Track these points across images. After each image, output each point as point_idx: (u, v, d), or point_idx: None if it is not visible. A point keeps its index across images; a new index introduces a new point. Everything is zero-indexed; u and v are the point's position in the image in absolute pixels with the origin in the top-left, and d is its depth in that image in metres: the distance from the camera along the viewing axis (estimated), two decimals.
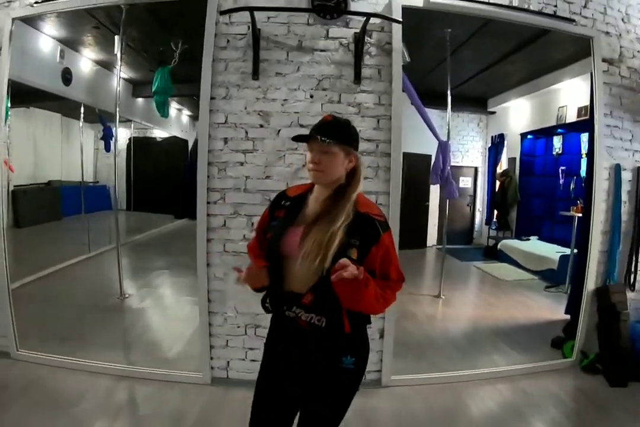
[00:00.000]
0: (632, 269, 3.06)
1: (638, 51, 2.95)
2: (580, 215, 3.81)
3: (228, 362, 2.67)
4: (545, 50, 4.12)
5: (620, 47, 2.89)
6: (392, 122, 2.51)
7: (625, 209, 2.98)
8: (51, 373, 2.68)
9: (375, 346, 2.64)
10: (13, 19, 2.73)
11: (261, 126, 2.50)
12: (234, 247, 2.54)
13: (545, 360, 2.98)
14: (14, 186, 3.66)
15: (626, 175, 2.96)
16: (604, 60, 2.84)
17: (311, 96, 2.51)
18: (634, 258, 3.05)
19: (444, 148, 3.95)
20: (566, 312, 3.30)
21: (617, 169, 2.92)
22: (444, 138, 4.03)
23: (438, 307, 4.13)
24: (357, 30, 2.47)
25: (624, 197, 2.96)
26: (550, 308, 3.92)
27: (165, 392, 2.56)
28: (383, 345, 2.65)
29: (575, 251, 3.94)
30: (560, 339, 3.16)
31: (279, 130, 2.50)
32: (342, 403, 1.40)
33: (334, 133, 1.30)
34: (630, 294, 3.05)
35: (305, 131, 1.62)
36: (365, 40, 2.49)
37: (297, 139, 1.37)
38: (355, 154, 1.36)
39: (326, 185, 1.35)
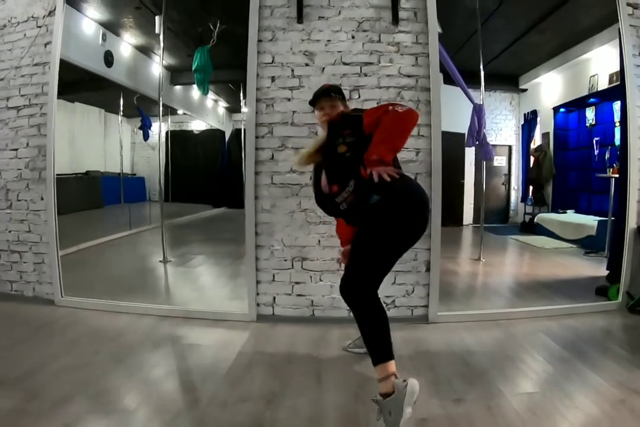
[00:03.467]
0: None
1: None
2: (617, 176, 3.72)
3: (274, 297, 2.69)
4: (574, 16, 4.15)
5: None
6: (429, 58, 2.61)
7: None
8: (94, 315, 2.71)
9: (421, 279, 2.67)
10: None
11: (307, 65, 2.63)
12: (282, 179, 2.63)
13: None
14: None
15: None
16: (628, 4, 2.84)
17: (352, 37, 2.63)
18: None
19: (479, 111, 3.97)
20: (608, 269, 3.21)
21: None
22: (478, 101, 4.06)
23: (479, 267, 4.07)
24: None
25: None
26: (591, 268, 3.83)
27: (209, 328, 2.54)
28: (430, 278, 2.64)
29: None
30: (605, 287, 3.06)
31: (324, 68, 2.62)
32: (372, 234, 1.68)
33: (335, 91, 1.99)
34: None
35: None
36: None
37: (316, 98, 2.00)
38: (345, 102, 2.03)
39: None
